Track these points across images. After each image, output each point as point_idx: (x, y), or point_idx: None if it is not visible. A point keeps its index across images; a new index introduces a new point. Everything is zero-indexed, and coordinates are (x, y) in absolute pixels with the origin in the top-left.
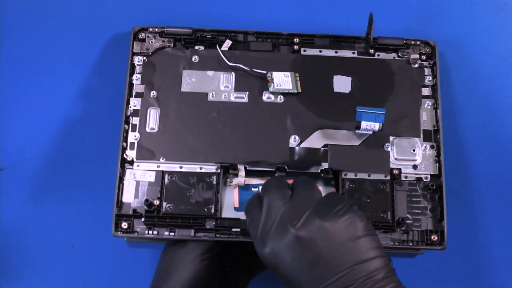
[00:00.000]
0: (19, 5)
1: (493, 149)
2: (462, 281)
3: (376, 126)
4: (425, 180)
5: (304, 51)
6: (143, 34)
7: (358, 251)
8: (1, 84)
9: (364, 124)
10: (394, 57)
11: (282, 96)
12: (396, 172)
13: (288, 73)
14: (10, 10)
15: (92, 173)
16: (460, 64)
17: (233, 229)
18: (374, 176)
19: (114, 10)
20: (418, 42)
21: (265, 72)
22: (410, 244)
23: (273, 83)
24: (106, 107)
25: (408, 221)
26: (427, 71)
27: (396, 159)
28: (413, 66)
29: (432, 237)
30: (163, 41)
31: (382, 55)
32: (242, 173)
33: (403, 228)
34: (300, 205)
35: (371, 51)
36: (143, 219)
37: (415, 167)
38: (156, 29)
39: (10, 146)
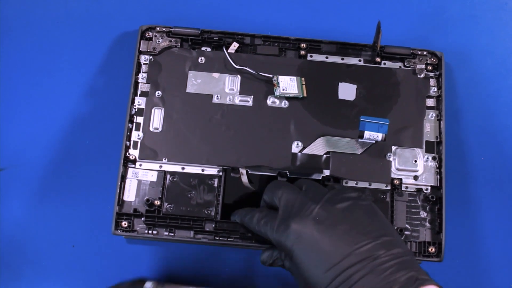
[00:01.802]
0: (23, 4)
1: (497, 160)
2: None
3: (379, 136)
4: (425, 191)
5: (311, 56)
6: (150, 33)
7: (379, 229)
8: (2, 84)
9: (367, 134)
10: (400, 67)
11: (286, 101)
12: (397, 182)
13: (294, 78)
14: (12, 10)
15: (92, 173)
16: (464, 74)
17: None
18: (374, 185)
19: (120, 8)
20: (424, 52)
21: (271, 75)
22: None
23: (278, 87)
24: (109, 107)
25: (406, 232)
26: (432, 81)
27: (397, 169)
28: (418, 76)
29: (430, 249)
30: (170, 41)
31: (388, 64)
32: (244, 177)
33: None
34: (316, 193)
35: (378, 59)
36: (143, 219)
37: (416, 178)
38: (164, 29)
39: (10, 146)
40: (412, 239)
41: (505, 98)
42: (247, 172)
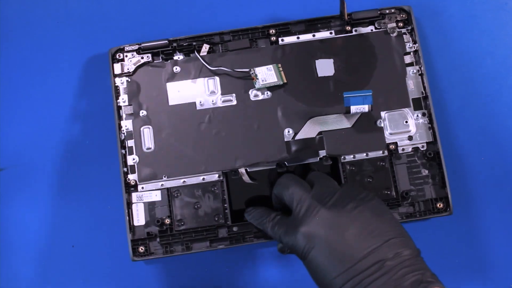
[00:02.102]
0: (23, 4)
1: (497, 160)
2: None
3: (365, 107)
4: (422, 149)
5: (282, 40)
6: (121, 55)
7: (387, 230)
8: (2, 84)
9: (353, 109)
10: (372, 30)
11: (269, 92)
12: (393, 147)
13: (271, 66)
14: (12, 10)
15: (92, 173)
16: (464, 74)
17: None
18: (372, 155)
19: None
20: (393, 10)
21: (247, 70)
22: (418, 215)
23: (258, 79)
24: (109, 106)
25: (412, 193)
26: (406, 38)
27: (390, 133)
28: (391, 35)
29: (438, 205)
30: (142, 58)
31: (360, 30)
32: (245, 177)
33: (408, 201)
34: (326, 191)
35: (348, 28)
36: (158, 240)
37: (410, 138)
38: (132, 47)
39: (10, 146)
40: (418, 199)
41: (505, 98)
42: (246, 171)
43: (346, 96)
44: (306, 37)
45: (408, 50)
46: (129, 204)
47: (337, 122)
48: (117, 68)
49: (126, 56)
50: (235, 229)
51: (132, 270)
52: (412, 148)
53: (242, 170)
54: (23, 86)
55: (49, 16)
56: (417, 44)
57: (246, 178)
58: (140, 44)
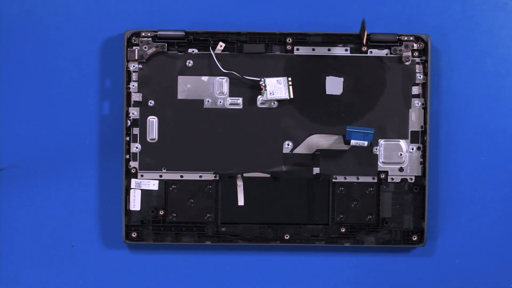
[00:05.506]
0: (23, 4)
1: (497, 160)
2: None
3: (365, 143)
4: (410, 181)
5: (297, 49)
6: (135, 39)
7: None
8: (1, 84)
9: (353, 142)
10: (387, 54)
11: (276, 101)
12: (383, 176)
13: (281, 79)
14: (12, 10)
15: (92, 173)
16: (464, 74)
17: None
18: (362, 179)
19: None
20: (411, 38)
21: (258, 79)
22: (393, 243)
23: (266, 91)
24: (109, 107)
25: (391, 222)
26: (418, 67)
27: (383, 162)
28: (405, 63)
29: (413, 237)
30: (156, 47)
31: (375, 52)
32: (240, 181)
33: (387, 229)
34: None
35: (364, 48)
36: (150, 227)
37: (401, 169)
38: (149, 33)
39: (10, 146)
40: (397, 228)
41: (505, 98)
42: (241, 175)
43: (349, 130)
44: (321, 50)
45: (417, 81)
46: (127, 190)
47: (335, 143)
48: (130, 54)
49: (141, 42)
50: (223, 229)
51: (132, 270)
52: (401, 179)
53: (240, 183)
54: (23, 86)
55: (50, 13)
56: (427, 77)
57: (240, 183)
58: (157, 32)
